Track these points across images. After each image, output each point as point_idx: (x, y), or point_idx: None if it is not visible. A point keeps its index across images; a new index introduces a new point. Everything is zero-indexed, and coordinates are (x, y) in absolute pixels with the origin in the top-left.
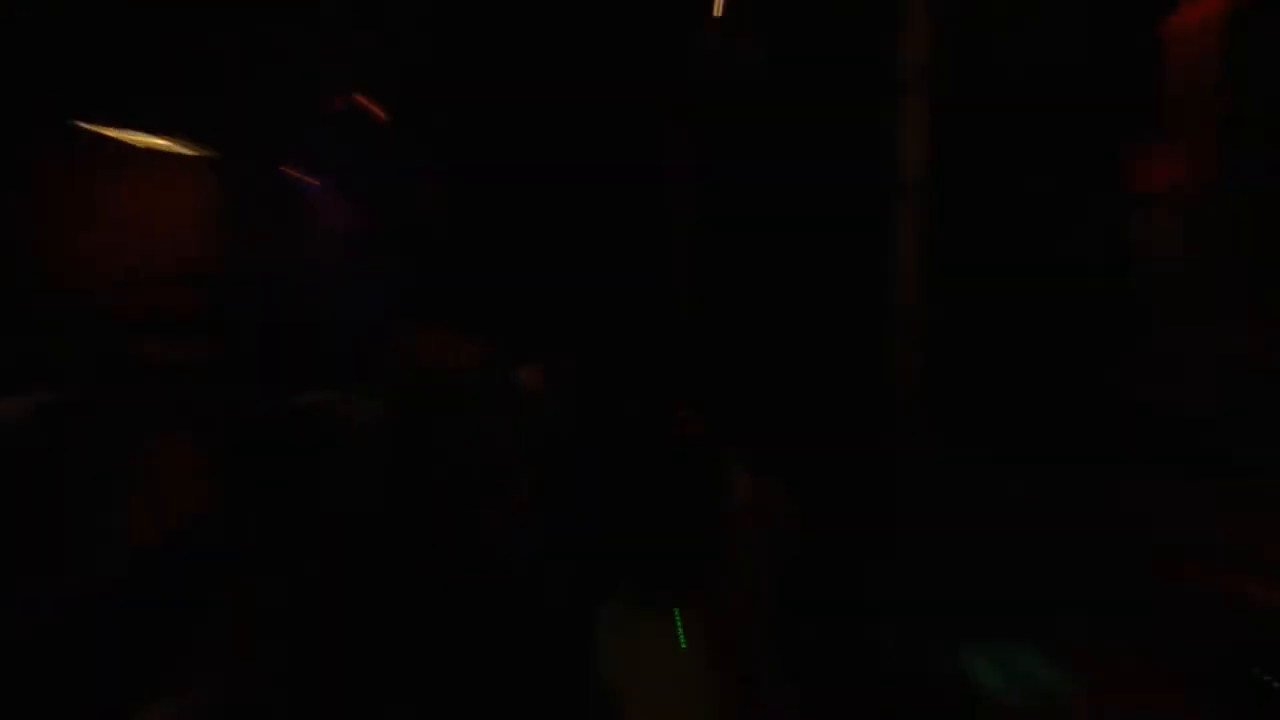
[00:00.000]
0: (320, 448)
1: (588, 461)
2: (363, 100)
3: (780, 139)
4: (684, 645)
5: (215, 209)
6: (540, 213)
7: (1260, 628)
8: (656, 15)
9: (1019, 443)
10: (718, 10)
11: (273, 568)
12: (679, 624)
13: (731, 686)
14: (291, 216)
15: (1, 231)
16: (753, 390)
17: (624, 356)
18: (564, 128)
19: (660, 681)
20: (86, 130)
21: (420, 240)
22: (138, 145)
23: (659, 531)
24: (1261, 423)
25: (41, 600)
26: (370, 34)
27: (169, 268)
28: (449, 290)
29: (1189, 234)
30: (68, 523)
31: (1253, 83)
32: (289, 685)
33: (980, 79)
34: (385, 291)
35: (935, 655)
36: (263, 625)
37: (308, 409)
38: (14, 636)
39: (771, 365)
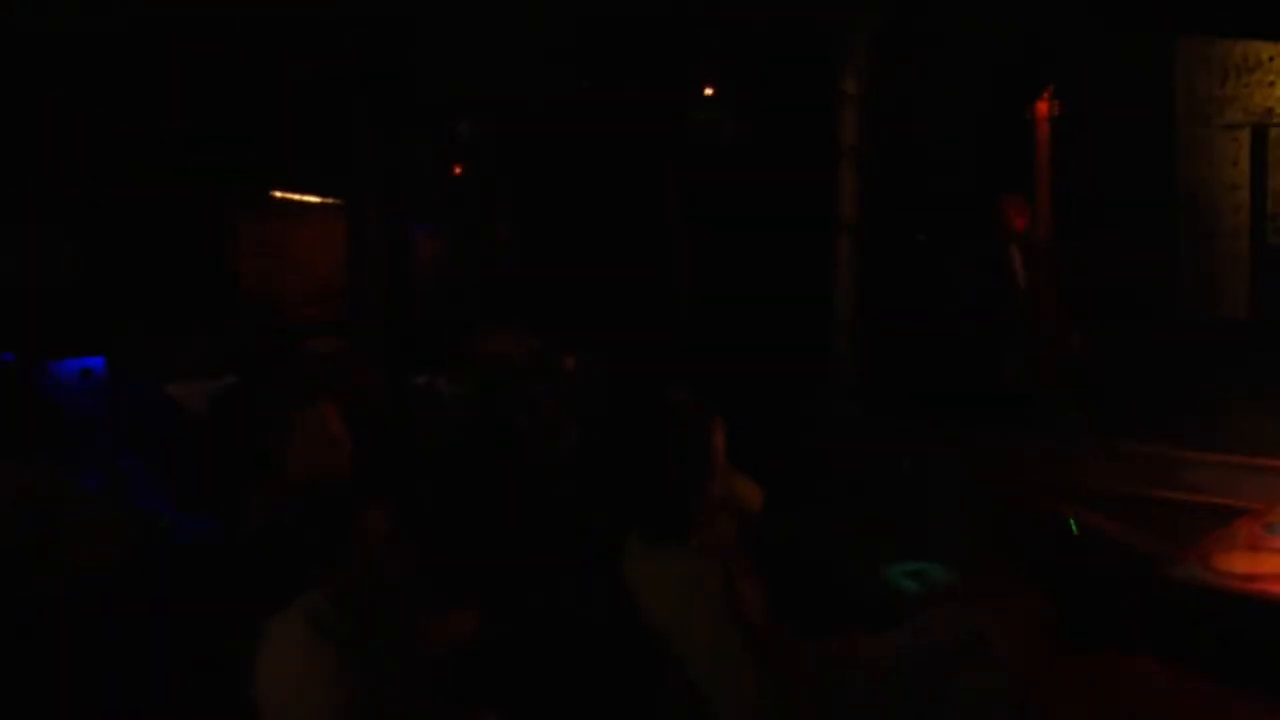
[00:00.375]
0: (425, 413)
1: (607, 430)
2: (454, 166)
3: (758, 186)
4: (683, 565)
5: (349, 245)
6: (578, 241)
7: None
8: (663, 93)
9: (924, 412)
10: (709, 91)
11: (391, 498)
12: (679, 554)
13: (720, 583)
14: (403, 249)
15: (213, 265)
16: (732, 371)
17: (637, 347)
18: (594, 180)
19: (664, 582)
20: (266, 193)
21: (493, 264)
22: (296, 200)
23: (662, 489)
24: (1079, 398)
25: (229, 525)
26: (461, 123)
27: (319, 287)
28: (513, 299)
29: (1032, 262)
30: (244, 469)
31: (1069, 161)
32: (401, 582)
33: (901, 150)
34: (468, 301)
35: (864, 567)
36: (385, 539)
37: (416, 386)
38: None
39: (747, 352)
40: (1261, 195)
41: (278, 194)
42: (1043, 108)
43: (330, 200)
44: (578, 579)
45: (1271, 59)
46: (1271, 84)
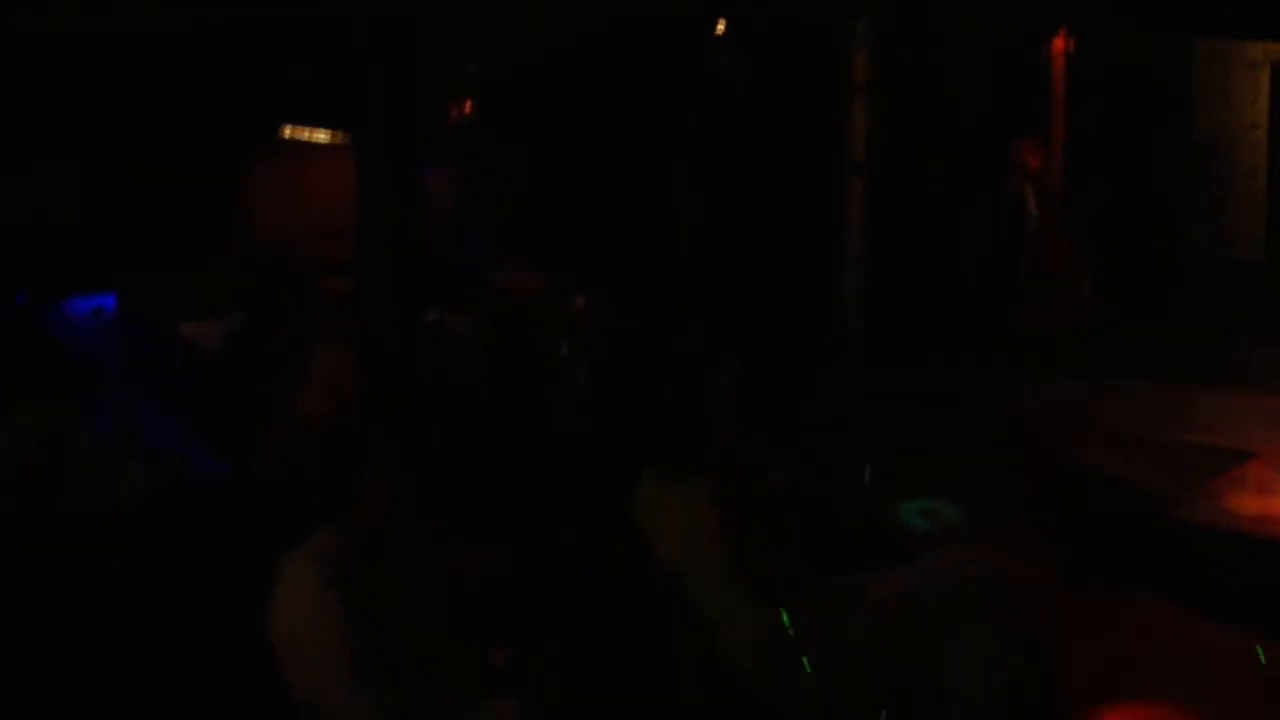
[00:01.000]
0: (437, 350)
1: (615, 366)
2: (466, 105)
3: (765, 130)
4: (692, 504)
5: (359, 182)
6: (588, 183)
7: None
8: (671, 41)
9: (934, 354)
10: (719, 30)
11: (404, 436)
12: (688, 492)
13: (728, 522)
14: (412, 187)
15: (223, 204)
16: (736, 312)
17: (641, 290)
18: (606, 125)
19: (673, 520)
20: (276, 131)
21: (507, 205)
22: (308, 139)
23: (671, 425)
24: (1094, 339)
25: (240, 464)
26: (472, 66)
27: (329, 226)
28: (526, 241)
29: (1045, 203)
30: (255, 409)
31: (1078, 98)
32: (420, 521)
33: (914, 87)
34: (482, 241)
35: (877, 506)
36: (396, 478)
37: (427, 323)
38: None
39: (751, 294)
40: None
41: (287, 132)
42: (1058, 44)
43: (340, 137)
44: (588, 517)
45: None
46: None
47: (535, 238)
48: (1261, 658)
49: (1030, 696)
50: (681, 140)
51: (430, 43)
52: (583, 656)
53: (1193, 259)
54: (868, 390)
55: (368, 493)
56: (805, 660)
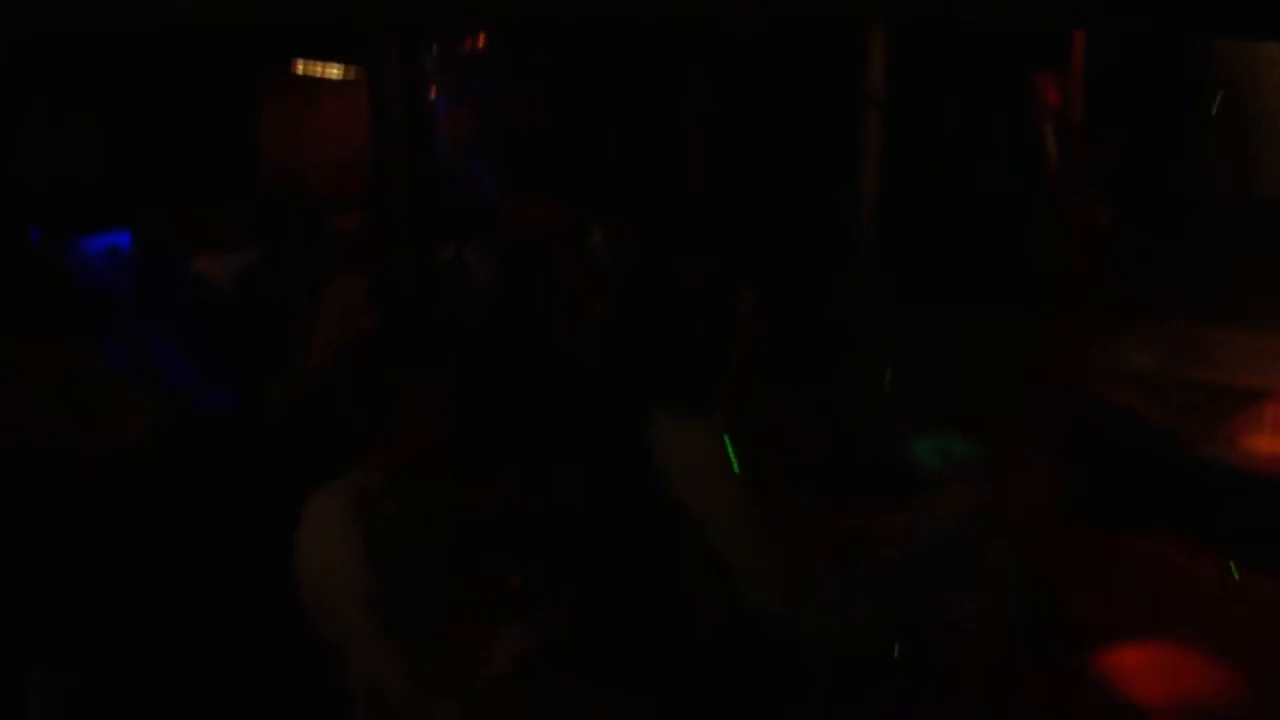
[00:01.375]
0: (450, 286)
1: (633, 302)
2: (480, 38)
3: (780, 67)
4: (708, 438)
5: (373, 119)
6: (604, 115)
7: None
8: None
9: (950, 289)
10: None
11: (420, 369)
12: (703, 426)
13: (743, 457)
14: (426, 121)
15: (235, 139)
16: (752, 247)
17: (659, 224)
18: (622, 56)
19: (689, 454)
20: (288, 66)
21: (523, 138)
22: (320, 75)
23: (688, 361)
24: (1112, 276)
25: (254, 400)
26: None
27: (343, 161)
28: (541, 173)
29: (1064, 139)
30: (269, 345)
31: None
32: (447, 449)
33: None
34: (498, 175)
35: (891, 441)
36: (431, 413)
37: (441, 260)
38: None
39: (767, 229)
40: None
41: (300, 67)
42: None
43: (353, 73)
44: (604, 451)
45: None
46: None
47: (552, 171)
48: (1234, 573)
49: (1038, 631)
50: (696, 72)
51: None
52: (597, 591)
53: (1213, 197)
54: (883, 326)
55: (404, 427)
56: (818, 594)
